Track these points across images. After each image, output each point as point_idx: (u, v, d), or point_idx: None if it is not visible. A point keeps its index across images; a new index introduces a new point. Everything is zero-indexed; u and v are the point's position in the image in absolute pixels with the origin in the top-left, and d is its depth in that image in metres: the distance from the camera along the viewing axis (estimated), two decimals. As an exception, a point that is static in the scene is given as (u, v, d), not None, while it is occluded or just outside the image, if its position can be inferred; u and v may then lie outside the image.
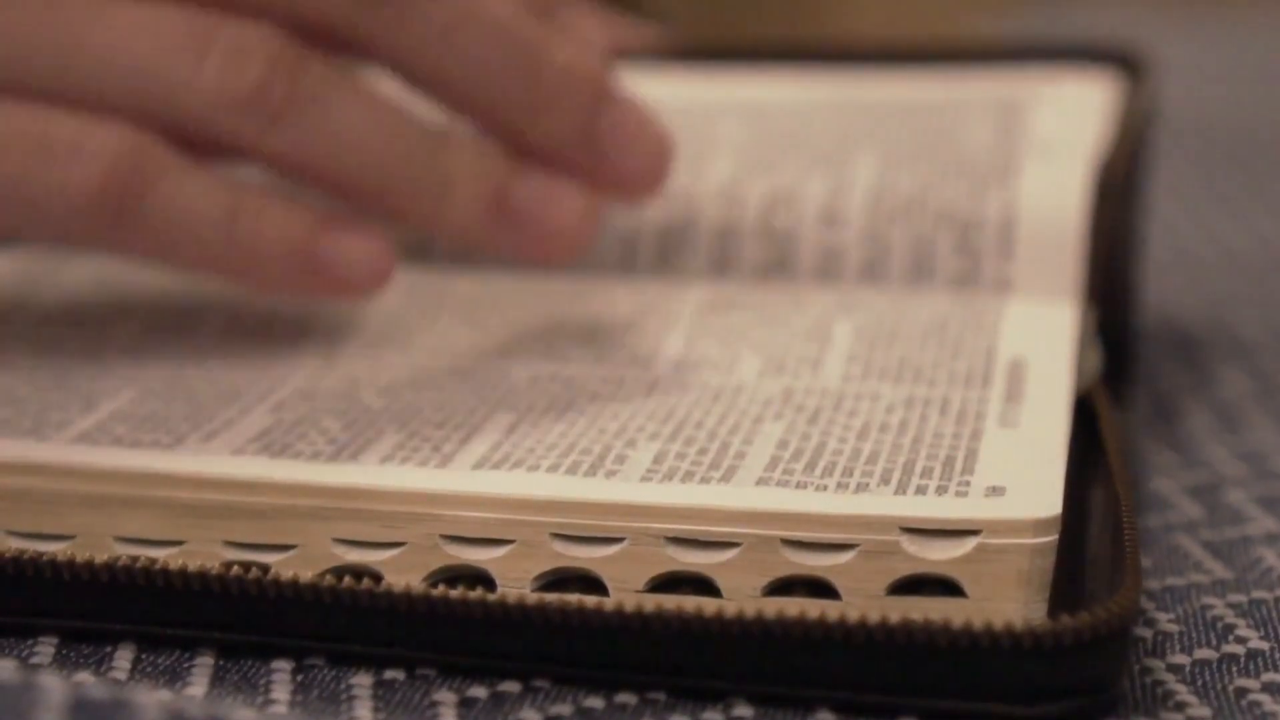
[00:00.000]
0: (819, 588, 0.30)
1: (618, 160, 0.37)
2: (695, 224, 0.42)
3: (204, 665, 0.31)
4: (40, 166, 0.35)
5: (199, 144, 0.37)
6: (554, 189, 0.37)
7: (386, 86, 0.37)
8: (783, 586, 0.31)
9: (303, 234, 0.36)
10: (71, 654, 0.32)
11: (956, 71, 0.48)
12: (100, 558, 0.31)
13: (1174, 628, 0.33)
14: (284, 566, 0.32)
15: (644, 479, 0.32)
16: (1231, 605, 0.34)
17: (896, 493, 0.31)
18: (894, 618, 0.29)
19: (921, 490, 0.31)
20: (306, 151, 0.36)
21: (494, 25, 0.36)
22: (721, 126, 0.46)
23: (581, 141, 0.37)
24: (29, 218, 0.36)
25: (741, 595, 0.30)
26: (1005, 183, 0.42)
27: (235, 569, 0.31)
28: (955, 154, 0.44)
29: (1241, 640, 0.32)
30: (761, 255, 0.42)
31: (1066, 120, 0.45)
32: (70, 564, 0.31)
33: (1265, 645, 0.32)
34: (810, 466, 0.32)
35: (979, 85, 0.47)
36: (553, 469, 0.32)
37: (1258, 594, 0.34)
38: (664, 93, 0.48)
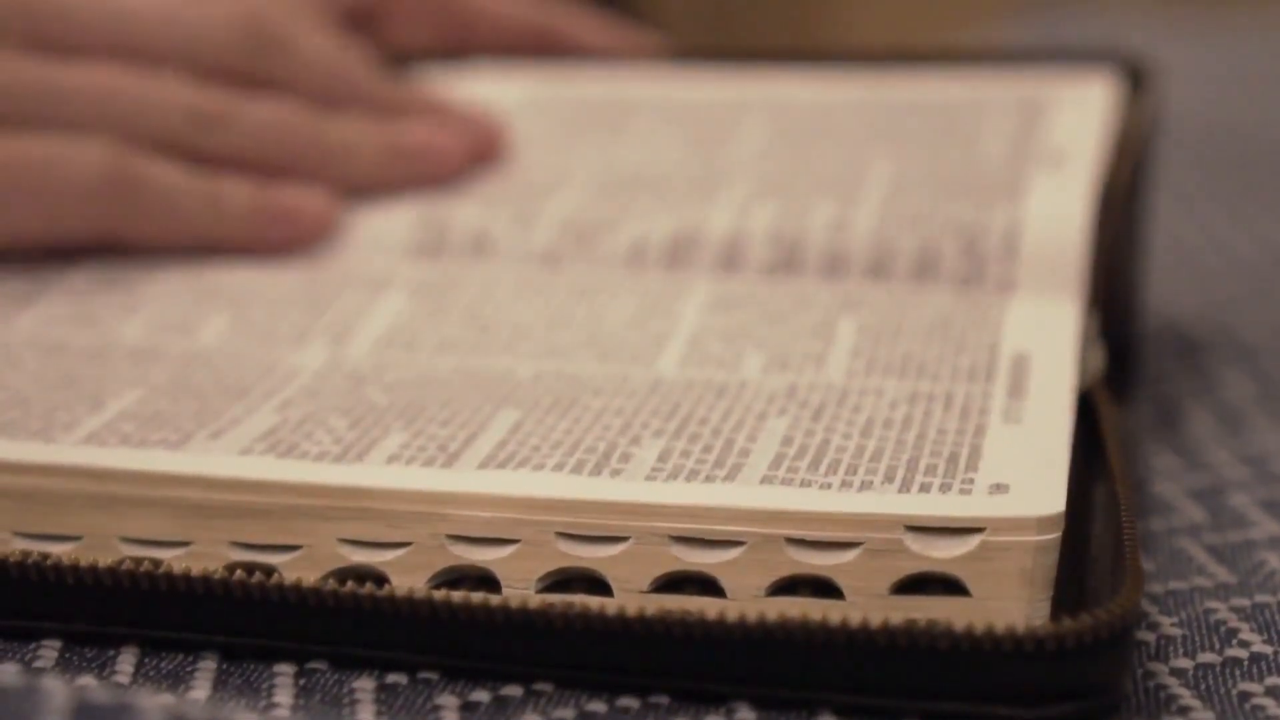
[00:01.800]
0: (823, 587, 0.30)
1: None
2: (704, 235, 0.42)
3: (206, 669, 0.31)
4: (49, 172, 0.42)
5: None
6: (430, 129, 0.46)
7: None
8: (787, 586, 0.31)
9: (264, 195, 0.44)
10: (75, 657, 0.32)
11: (968, 74, 0.48)
12: (104, 560, 0.31)
13: (1177, 631, 0.33)
14: (290, 567, 0.32)
15: (649, 477, 0.32)
16: (1235, 609, 0.33)
17: (900, 491, 0.31)
18: (896, 620, 0.29)
19: (925, 488, 0.31)
20: (237, 147, 0.45)
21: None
22: (744, 126, 0.46)
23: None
24: (43, 216, 0.42)
25: (745, 595, 0.30)
26: (1013, 198, 0.42)
27: (238, 572, 0.31)
28: (966, 166, 0.44)
29: (1245, 644, 0.32)
30: (768, 257, 0.42)
31: (1076, 125, 0.45)
32: (74, 567, 0.31)
33: (1269, 649, 0.32)
34: (815, 464, 0.32)
35: (993, 87, 0.47)
36: (558, 467, 0.32)
37: (1261, 598, 0.34)
38: (684, 94, 0.49)
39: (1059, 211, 0.41)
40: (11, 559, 0.32)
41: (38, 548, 0.32)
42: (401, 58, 0.51)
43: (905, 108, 0.47)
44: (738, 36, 1.44)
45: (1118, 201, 0.42)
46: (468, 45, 0.53)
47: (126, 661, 0.31)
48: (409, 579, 0.31)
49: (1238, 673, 0.31)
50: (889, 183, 0.44)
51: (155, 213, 0.43)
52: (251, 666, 0.31)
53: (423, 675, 0.31)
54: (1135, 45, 0.49)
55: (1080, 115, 0.45)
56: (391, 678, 0.31)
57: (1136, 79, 0.47)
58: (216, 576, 0.31)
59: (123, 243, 0.43)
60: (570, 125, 0.48)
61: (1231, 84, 0.78)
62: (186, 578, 0.31)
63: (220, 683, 0.31)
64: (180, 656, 0.32)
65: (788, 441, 0.33)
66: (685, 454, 0.33)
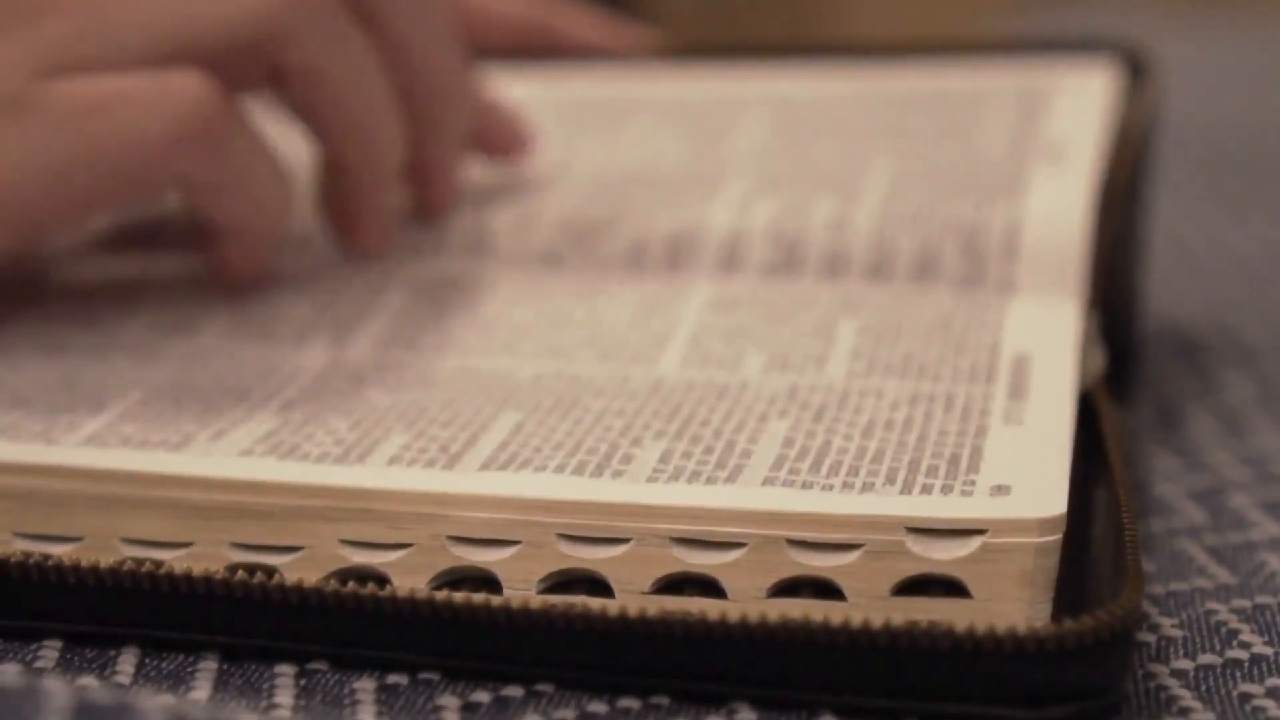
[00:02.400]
0: (824, 589, 0.30)
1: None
2: (705, 233, 0.42)
3: (207, 669, 0.31)
4: (137, 113, 0.38)
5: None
6: (512, 118, 0.46)
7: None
8: (788, 587, 0.31)
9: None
10: (75, 658, 0.32)
11: (968, 66, 0.48)
12: (105, 561, 0.31)
13: (1178, 633, 0.33)
14: (291, 568, 0.32)
15: (650, 479, 0.32)
16: (1235, 610, 0.33)
17: (902, 492, 0.31)
18: (897, 621, 0.29)
19: (927, 489, 0.31)
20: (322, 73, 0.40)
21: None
22: (744, 121, 0.46)
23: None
24: (129, 167, 0.38)
25: (747, 596, 0.30)
26: (1014, 195, 0.42)
27: (240, 573, 0.31)
28: (967, 159, 0.44)
29: (1245, 646, 0.32)
30: (769, 258, 0.42)
31: (1076, 116, 0.45)
32: (75, 567, 0.31)
33: (1269, 650, 0.32)
34: (816, 466, 0.32)
35: (993, 79, 0.47)
36: (560, 469, 0.32)
37: (1261, 599, 0.34)
38: (683, 91, 0.49)
39: (1059, 208, 0.41)
40: (13, 559, 0.32)
41: (39, 549, 0.32)
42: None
43: (905, 100, 0.47)
44: (738, 32, 1.44)
45: (1118, 196, 0.42)
46: (467, 44, 0.53)
47: (127, 662, 0.31)
48: (410, 580, 0.31)
49: (1238, 674, 0.31)
50: (889, 178, 0.44)
51: (247, 166, 0.39)
52: (252, 667, 0.31)
53: (424, 676, 0.31)
54: (1138, 41, 0.49)
55: (1081, 106, 0.45)
56: (392, 678, 0.31)
57: (1137, 69, 0.47)
58: (218, 577, 0.31)
59: (203, 202, 0.39)
60: (570, 124, 0.48)
61: (1233, 83, 0.78)
62: (188, 578, 0.31)
63: (221, 683, 0.31)
64: (181, 657, 0.32)
65: (789, 443, 0.33)
66: (686, 455, 0.33)
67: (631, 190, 0.44)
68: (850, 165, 0.44)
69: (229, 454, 0.33)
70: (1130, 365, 0.44)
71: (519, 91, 0.49)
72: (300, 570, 0.31)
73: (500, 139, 0.46)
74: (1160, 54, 0.48)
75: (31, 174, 0.37)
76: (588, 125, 0.48)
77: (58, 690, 0.27)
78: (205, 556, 0.32)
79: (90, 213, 0.41)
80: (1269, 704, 0.30)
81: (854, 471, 0.32)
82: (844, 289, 0.41)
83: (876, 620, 0.29)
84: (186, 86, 0.38)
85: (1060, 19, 0.92)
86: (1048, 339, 0.37)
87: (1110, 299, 0.41)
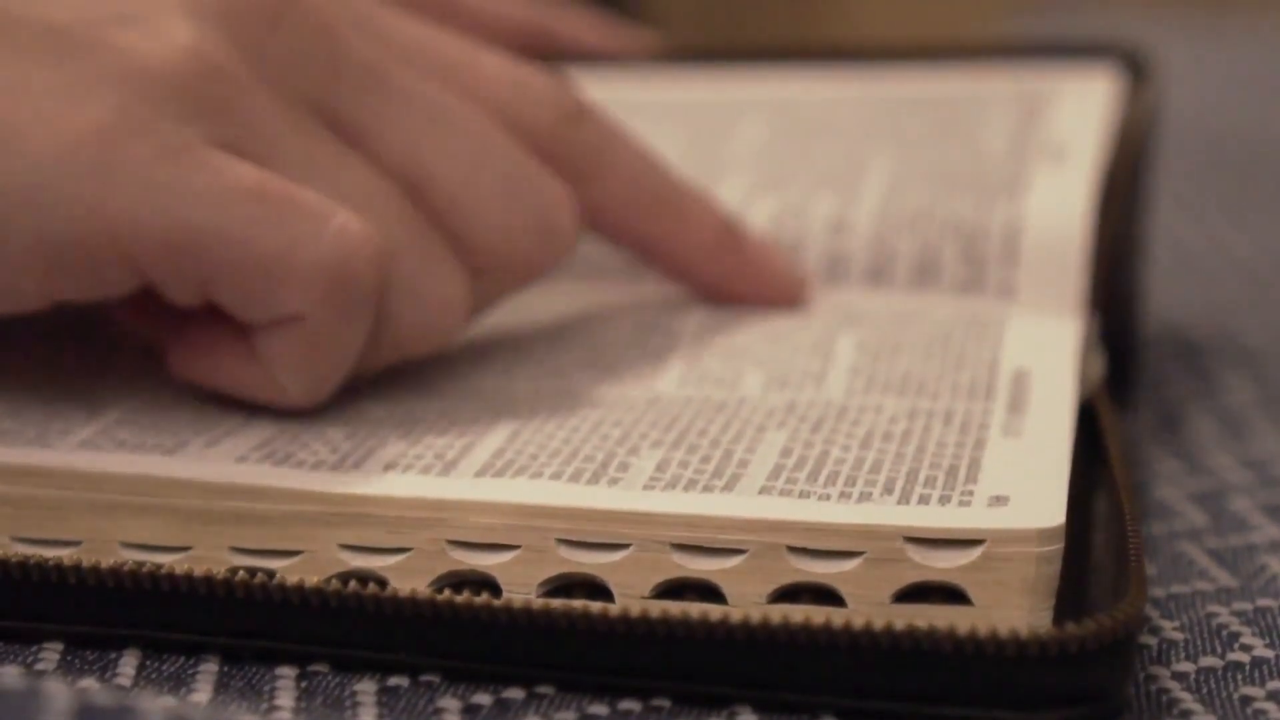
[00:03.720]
0: (825, 595, 0.30)
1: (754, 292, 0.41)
2: None
3: (208, 671, 0.31)
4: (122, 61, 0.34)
5: None
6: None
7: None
8: (788, 594, 0.31)
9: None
10: (76, 660, 0.32)
11: (968, 68, 0.48)
12: (106, 563, 0.31)
13: (1179, 636, 0.33)
14: (290, 573, 0.32)
15: (647, 486, 0.32)
16: (1236, 613, 0.33)
17: (900, 502, 0.31)
18: (899, 624, 0.29)
19: (924, 500, 0.31)
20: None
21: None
22: (744, 124, 0.46)
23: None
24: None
25: (747, 602, 0.30)
26: (1014, 195, 0.42)
27: (241, 574, 0.31)
28: (968, 160, 0.44)
29: (1247, 648, 0.32)
30: None
31: (1077, 118, 0.45)
32: (75, 569, 0.31)
33: (1270, 653, 0.32)
34: (814, 475, 0.32)
35: (993, 81, 0.47)
36: (556, 476, 0.32)
37: (1263, 602, 0.34)
38: (683, 93, 0.49)
39: (1059, 211, 0.41)
40: (13, 560, 0.32)
41: (37, 553, 0.32)
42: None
43: (905, 102, 0.47)
44: (738, 35, 1.44)
45: (1118, 198, 0.42)
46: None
47: (128, 664, 0.31)
48: (410, 584, 0.31)
49: (1239, 677, 0.31)
50: (889, 178, 0.44)
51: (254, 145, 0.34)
52: (253, 669, 0.31)
53: (425, 678, 0.31)
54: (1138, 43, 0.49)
55: (1081, 108, 0.45)
56: (393, 680, 0.31)
57: (1137, 72, 0.47)
58: (218, 578, 0.31)
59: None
60: None
61: (1233, 87, 0.78)
62: (188, 579, 0.31)
63: (222, 685, 0.31)
64: (182, 659, 0.32)
65: (786, 453, 0.33)
66: (684, 464, 0.33)
67: None
68: (849, 165, 0.44)
69: (224, 461, 0.33)
70: (1131, 368, 0.44)
71: None
72: (299, 574, 0.31)
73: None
74: (1161, 57, 0.48)
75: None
76: None
77: (59, 692, 0.27)
78: (204, 560, 0.32)
79: None
80: (1270, 707, 0.30)
81: (851, 481, 0.32)
82: (843, 299, 0.40)
83: (878, 623, 0.29)
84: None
85: (1060, 22, 0.91)
86: (1047, 353, 0.37)
87: (1110, 302, 0.41)
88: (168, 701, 0.28)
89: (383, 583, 0.31)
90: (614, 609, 0.30)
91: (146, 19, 0.34)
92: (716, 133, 0.47)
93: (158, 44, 0.34)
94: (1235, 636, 0.33)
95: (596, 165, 0.39)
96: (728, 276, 0.40)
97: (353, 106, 0.36)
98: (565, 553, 0.31)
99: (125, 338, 0.39)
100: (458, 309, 0.36)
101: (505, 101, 0.38)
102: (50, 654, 0.32)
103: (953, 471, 0.32)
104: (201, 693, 0.31)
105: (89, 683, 0.31)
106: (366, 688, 0.31)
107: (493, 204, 0.36)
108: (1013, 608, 0.30)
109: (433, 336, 0.36)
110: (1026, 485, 0.31)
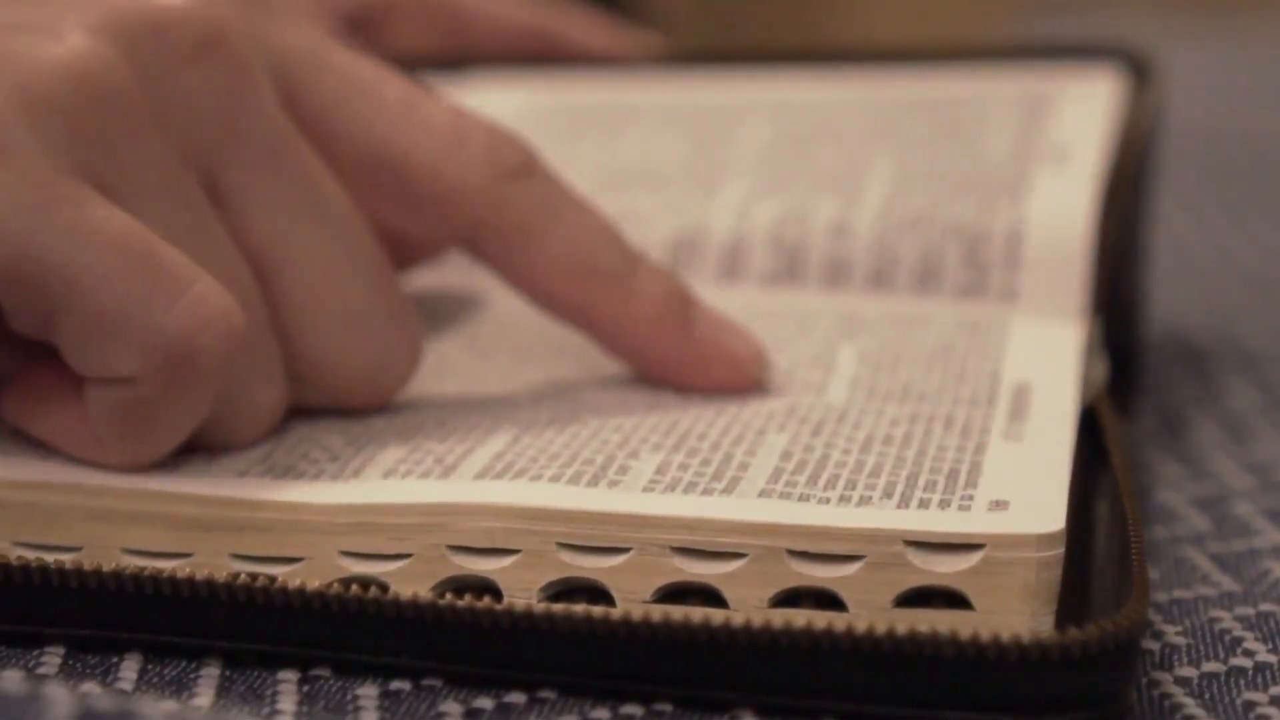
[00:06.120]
0: (826, 600, 0.30)
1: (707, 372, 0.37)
2: (705, 238, 0.42)
3: (210, 675, 0.31)
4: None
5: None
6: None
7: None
8: (790, 598, 0.30)
9: None
10: (78, 664, 0.31)
11: (974, 69, 0.48)
12: (107, 567, 0.31)
13: (1181, 640, 0.33)
14: (291, 578, 0.31)
15: (646, 489, 0.32)
16: (1239, 618, 0.33)
17: (899, 506, 0.31)
18: (901, 629, 0.29)
19: (924, 504, 0.31)
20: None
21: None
22: (746, 126, 0.46)
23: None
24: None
25: (748, 606, 0.30)
26: (1016, 197, 0.42)
27: (242, 578, 0.31)
28: (970, 162, 0.44)
29: (1249, 653, 0.32)
30: (770, 266, 0.42)
31: (1080, 120, 0.45)
32: (77, 572, 0.31)
33: (1273, 658, 0.32)
34: (813, 479, 0.32)
35: (996, 83, 0.47)
36: (555, 479, 0.32)
37: (1265, 607, 0.34)
38: (684, 95, 0.49)
39: (1062, 213, 0.41)
40: (15, 563, 0.32)
41: (39, 557, 0.32)
42: (401, 64, 0.51)
43: (908, 104, 0.47)
44: (740, 37, 1.44)
45: (1121, 201, 0.41)
46: (467, 49, 0.53)
47: (130, 668, 0.31)
48: (411, 589, 0.31)
49: (1242, 682, 0.31)
50: (891, 179, 0.44)
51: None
52: (255, 673, 0.31)
53: (426, 682, 0.31)
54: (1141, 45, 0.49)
55: (1084, 111, 0.45)
56: (395, 684, 0.31)
57: (1140, 74, 0.47)
58: (220, 581, 0.31)
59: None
60: (571, 130, 0.48)
61: (1236, 90, 0.78)
62: (190, 583, 0.31)
63: (224, 689, 0.31)
64: (183, 663, 0.31)
65: (786, 456, 0.33)
66: (683, 467, 0.33)
67: (632, 193, 0.44)
68: (852, 167, 0.44)
69: (225, 475, 0.33)
70: (1133, 372, 0.44)
71: (521, 96, 0.49)
72: (300, 580, 0.31)
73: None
74: (1163, 59, 0.48)
75: None
76: (589, 130, 0.48)
77: (60, 696, 0.27)
78: (205, 567, 0.32)
79: None
80: (1273, 712, 0.30)
81: (851, 485, 0.32)
82: (845, 305, 0.40)
83: (880, 628, 0.29)
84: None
85: (1063, 24, 0.92)
86: (1048, 364, 0.37)
87: (1113, 305, 0.41)
88: (169, 705, 0.28)
89: (384, 588, 0.31)
90: (615, 613, 0.30)
91: (50, 31, 0.32)
92: (718, 135, 0.47)
93: (50, 63, 0.32)
94: (1238, 641, 0.33)
95: (531, 228, 0.36)
96: (670, 355, 0.37)
97: (236, 174, 0.34)
98: (566, 556, 0.31)
99: None
100: (270, 416, 0.34)
101: (440, 155, 0.35)
102: (52, 658, 0.32)
103: (953, 476, 0.32)
104: (203, 697, 0.31)
105: (90, 687, 0.31)
106: (368, 692, 0.31)
107: (335, 328, 0.35)
108: (1014, 612, 0.30)
109: (237, 436, 0.34)
110: (1027, 490, 0.31)
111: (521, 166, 0.36)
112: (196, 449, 0.34)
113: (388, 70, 0.36)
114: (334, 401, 0.35)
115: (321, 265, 0.35)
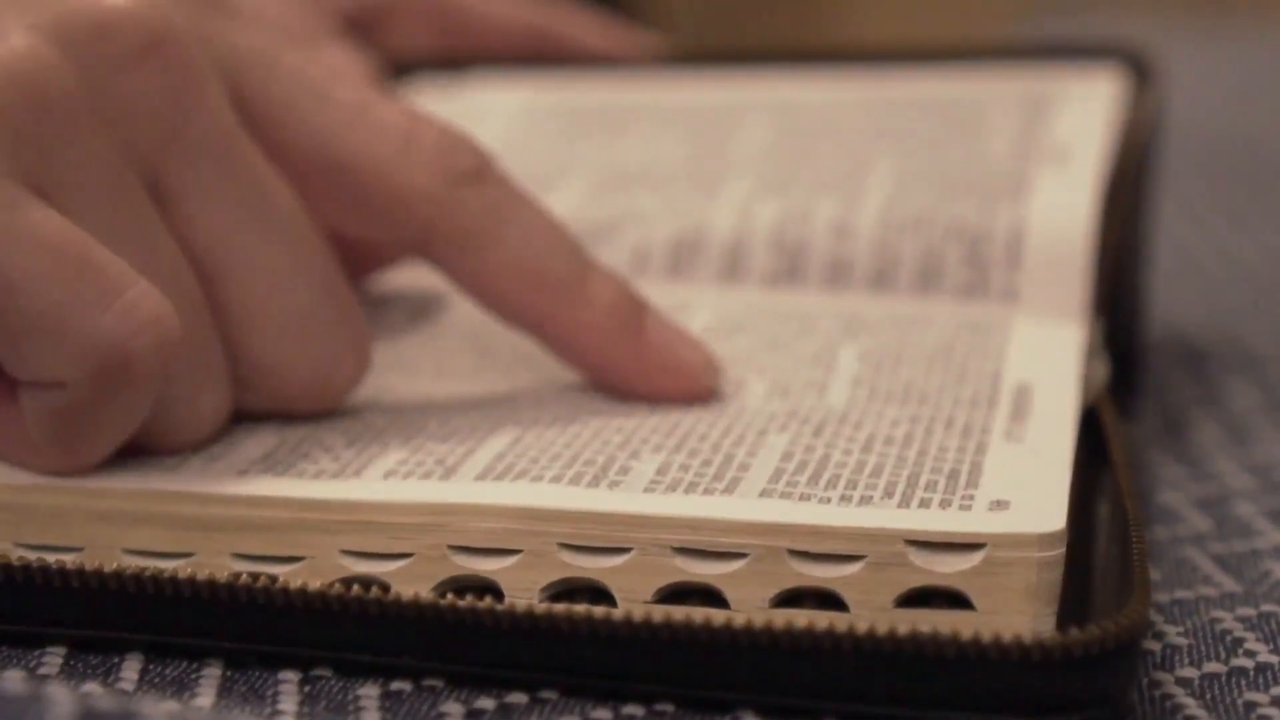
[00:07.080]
0: (827, 600, 0.30)
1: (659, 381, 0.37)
2: (706, 239, 0.42)
3: (211, 676, 0.31)
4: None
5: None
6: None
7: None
8: (791, 599, 0.31)
9: None
10: (79, 664, 0.31)
11: (975, 69, 0.48)
12: (109, 567, 0.31)
13: (1183, 641, 0.33)
14: (292, 578, 0.31)
15: (647, 489, 0.32)
16: (1240, 619, 0.33)
17: (900, 506, 0.31)
18: (902, 629, 0.29)
19: (925, 504, 0.31)
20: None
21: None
22: (747, 126, 0.46)
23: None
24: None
25: (749, 607, 0.30)
26: (1017, 197, 0.42)
27: (243, 578, 0.31)
28: (971, 162, 0.44)
29: (1250, 654, 0.32)
30: (771, 267, 0.42)
31: (1081, 120, 0.45)
32: (79, 572, 0.31)
33: (1274, 659, 0.32)
34: (814, 479, 0.32)
35: (997, 83, 0.47)
36: (556, 479, 0.32)
37: (1267, 607, 0.34)
38: (685, 95, 0.49)
39: (1063, 214, 0.41)
40: (16, 564, 0.32)
41: (40, 557, 0.32)
42: (401, 65, 0.51)
43: (909, 105, 0.47)
44: (741, 37, 1.44)
45: (1122, 201, 0.42)
46: (467, 49, 0.53)
47: (131, 668, 0.31)
48: (412, 589, 0.31)
49: (1243, 682, 0.31)
50: (892, 179, 0.44)
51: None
52: (256, 673, 0.31)
53: (428, 682, 0.31)
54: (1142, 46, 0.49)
55: (1085, 111, 0.45)
56: (396, 684, 0.31)
57: (1142, 75, 0.47)
58: (221, 581, 0.31)
59: None
60: (572, 130, 0.48)
61: (1237, 90, 0.78)
62: (191, 583, 0.31)
63: (225, 689, 0.31)
64: (185, 663, 0.31)
65: (787, 457, 0.33)
66: (684, 467, 0.33)
67: (633, 193, 0.44)
68: (853, 167, 0.44)
69: (226, 474, 0.33)
70: (1134, 373, 0.44)
71: (522, 97, 0.49)
72: (301, 580, 0.31)
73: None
74: (1165, 59, 0.48)
75: None
76: (590, 130, 0.48)
77: (62, 697, 0.27)
78: (206, 567, 0.32)
79: None
80: (1274, 712, 0.30)
81: (852, 485, 0.32)
82: (846, 304, 0.40)
83: (881, 628, 0.29)
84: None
85: (1065, 24, 0.92)
86: (1050, 365, 0.37)
87: (1114, 306, 0.41)
88: (171, 706, 0.28)
89: (385, 588, 0.31)
90: (616, 613, 0.30)
91: None
92: (719, 135, 0.47)
93: None
94: (1239, 642, 0.33)
95: (482, 233, 0.35)
96: (620, 362, 0.36)
97: (180, 175, 0.34)
98: (567, 557, 0.31)
99: None
100: (213, 420, 0.34)
101: (390, 158, 0.35)
102: (53, 658, 0.32)
103: (954, 476, 0.32)
104: (204, 697, 0.31)
105: (92, 687, 0.31)
106: (369, 692, 0.31)
107: (280, 331, 0.34)
108: (1015, 612, 0.30)
109: (178, 439, 0.34)
110: (1027, 490, 0.31)
111: (474, 170, 0.36)
112: (141, 452, 0.34)
113: (343, 72, 0.36)
114: (280, 406, 0.35)
115: (267, 268, 0.34)
